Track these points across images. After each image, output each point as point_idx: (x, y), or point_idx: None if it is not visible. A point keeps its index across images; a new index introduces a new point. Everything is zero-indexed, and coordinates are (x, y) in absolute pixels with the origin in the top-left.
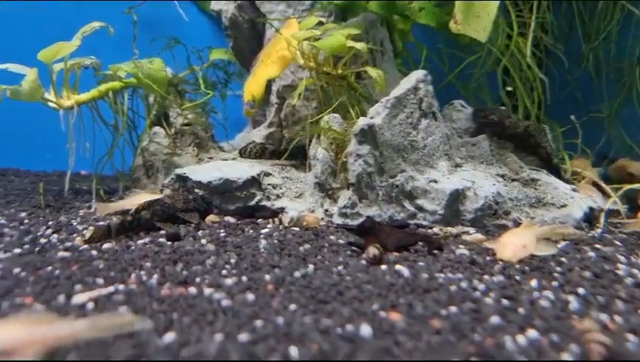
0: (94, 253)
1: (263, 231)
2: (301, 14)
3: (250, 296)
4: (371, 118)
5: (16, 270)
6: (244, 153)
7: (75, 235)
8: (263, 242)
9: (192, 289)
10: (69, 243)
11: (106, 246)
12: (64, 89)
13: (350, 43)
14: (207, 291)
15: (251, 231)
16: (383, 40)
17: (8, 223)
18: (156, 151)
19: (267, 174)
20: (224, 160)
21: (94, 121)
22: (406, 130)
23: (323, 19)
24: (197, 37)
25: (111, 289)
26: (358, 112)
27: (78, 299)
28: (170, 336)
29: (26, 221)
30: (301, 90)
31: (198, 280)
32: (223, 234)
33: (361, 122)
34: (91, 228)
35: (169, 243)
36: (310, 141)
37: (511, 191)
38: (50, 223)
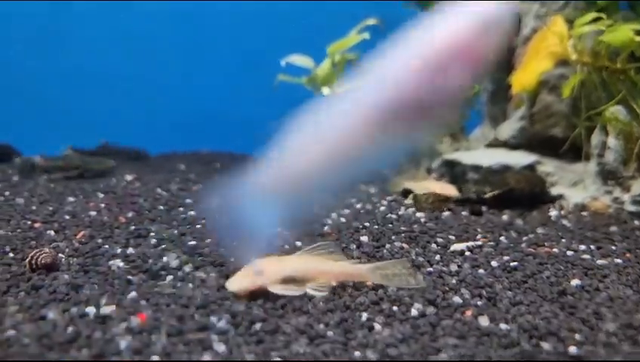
0: (416, 216)
1: (551, 213)
2: (555, 12)
3: (618, 260)
4: None
5: (357, 224)
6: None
7: (378, 203)
8: (564, 221)
9: (555, 250)
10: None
11: (417, 214)
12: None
13: (638, 38)
14: (569, 253)
15: (534, 213)
16: None
17: None
18: None
19: (539, 163)
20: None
21: None
22: None
23: (602, 15)
24: None
25: (479, 242)
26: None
27: (456, 246)
28: (575, 282)
29: None
30: (574, 84)
31: (547, 244)
32: (511, 214)
33: None
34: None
35: (472, 216)
36: (589, 132)
37: None
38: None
